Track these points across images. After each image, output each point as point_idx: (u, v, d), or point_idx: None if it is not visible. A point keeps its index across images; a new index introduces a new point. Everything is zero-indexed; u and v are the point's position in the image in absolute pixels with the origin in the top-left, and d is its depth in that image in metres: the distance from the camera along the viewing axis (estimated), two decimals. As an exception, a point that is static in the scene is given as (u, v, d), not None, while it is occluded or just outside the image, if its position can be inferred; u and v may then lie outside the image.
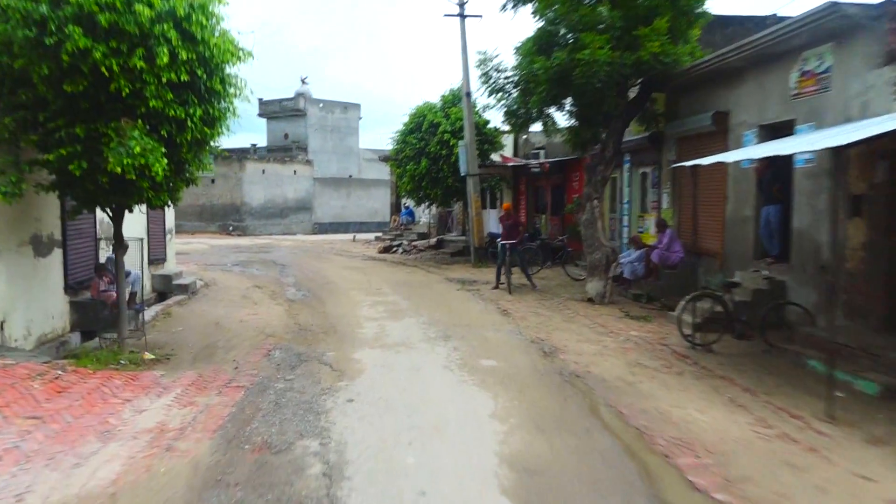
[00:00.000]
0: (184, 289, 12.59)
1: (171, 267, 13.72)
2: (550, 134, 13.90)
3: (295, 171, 37.36)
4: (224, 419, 5.34)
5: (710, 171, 10.30)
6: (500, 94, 13.09)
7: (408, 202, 26.90)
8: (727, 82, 10.67)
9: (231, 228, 34.66)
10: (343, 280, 15.32)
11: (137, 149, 6.23)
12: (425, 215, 29.76)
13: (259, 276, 16.36)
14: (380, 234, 30.17)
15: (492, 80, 13.10)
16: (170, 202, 7.82)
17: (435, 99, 20.42)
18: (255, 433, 5.02)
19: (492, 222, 22.63)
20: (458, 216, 26.29)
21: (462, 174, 18.27)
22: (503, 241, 13.62)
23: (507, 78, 13.06)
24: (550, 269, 16.75)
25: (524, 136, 22.07)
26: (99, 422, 5.19)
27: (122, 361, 7.22)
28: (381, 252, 23.42)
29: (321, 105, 44.80)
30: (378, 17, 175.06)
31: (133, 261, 11.09)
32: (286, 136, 44.61)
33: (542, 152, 20.90)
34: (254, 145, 43.64)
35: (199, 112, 7.05)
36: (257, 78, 45.19)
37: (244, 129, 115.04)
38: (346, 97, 47.11)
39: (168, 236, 13.80)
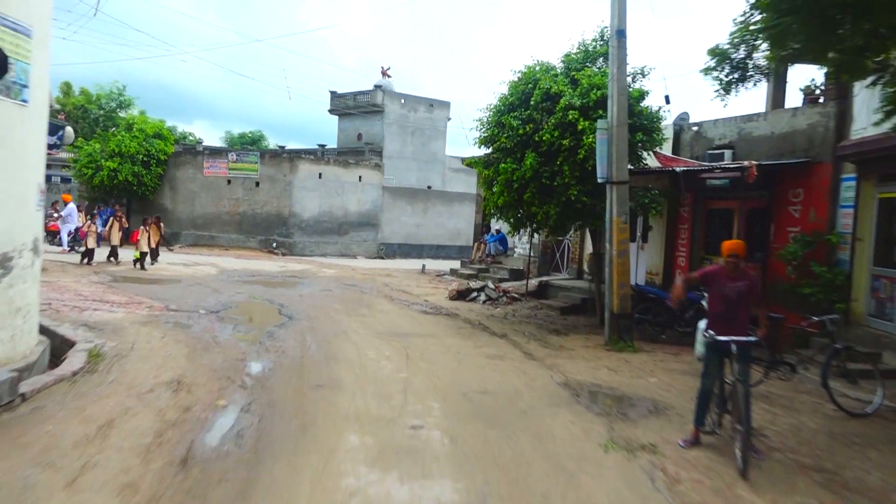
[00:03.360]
0: (-40, 407, 5.33)
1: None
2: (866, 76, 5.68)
3: (360, 178, 29.86)
4: None
5: None
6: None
7: (499, 224, 18.92)
8: None
9: (274, 245, 27.66)
10: (360, 374, 7.69)
11: None
12: (521, 244, 21.66)
13: (221, 344, 9.00)
14: (457, 267, 22.41)
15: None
16: None
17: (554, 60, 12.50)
18: None
19: (640, 266, 14.34)
20: (573, 249, 18.05)
21: (599, 180, 10.22)
22: (722, 337, 5.62)
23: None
24: (781, 375, 8.36)
25: (694, 129, 13.70)
26: None
27: None
28: (453, 297, 15.59)
29: (402, 101, 37.71)
30: (477, 33, 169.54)
31: None
32: (360, 136, 37.80)
33: (727, 153, 12.50)
34: (322, 146, 37.04)
35: None
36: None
37: (315, 128, 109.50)
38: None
39: (-4, 274, 6.58)
